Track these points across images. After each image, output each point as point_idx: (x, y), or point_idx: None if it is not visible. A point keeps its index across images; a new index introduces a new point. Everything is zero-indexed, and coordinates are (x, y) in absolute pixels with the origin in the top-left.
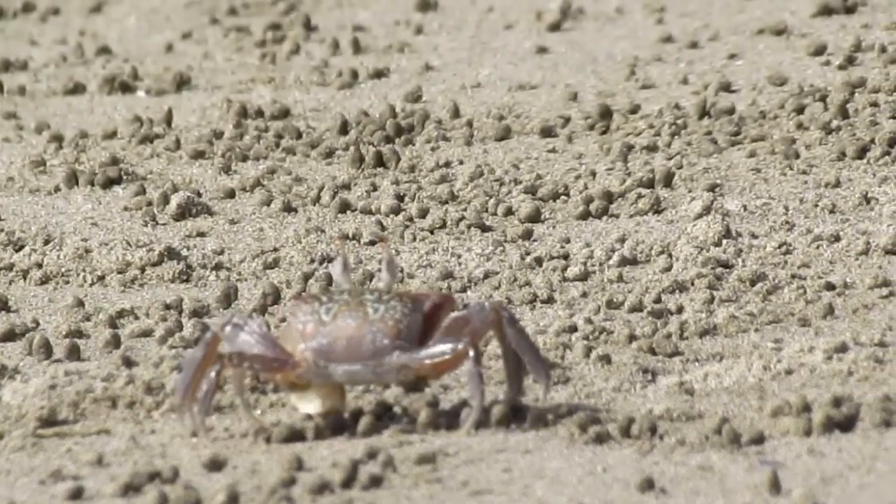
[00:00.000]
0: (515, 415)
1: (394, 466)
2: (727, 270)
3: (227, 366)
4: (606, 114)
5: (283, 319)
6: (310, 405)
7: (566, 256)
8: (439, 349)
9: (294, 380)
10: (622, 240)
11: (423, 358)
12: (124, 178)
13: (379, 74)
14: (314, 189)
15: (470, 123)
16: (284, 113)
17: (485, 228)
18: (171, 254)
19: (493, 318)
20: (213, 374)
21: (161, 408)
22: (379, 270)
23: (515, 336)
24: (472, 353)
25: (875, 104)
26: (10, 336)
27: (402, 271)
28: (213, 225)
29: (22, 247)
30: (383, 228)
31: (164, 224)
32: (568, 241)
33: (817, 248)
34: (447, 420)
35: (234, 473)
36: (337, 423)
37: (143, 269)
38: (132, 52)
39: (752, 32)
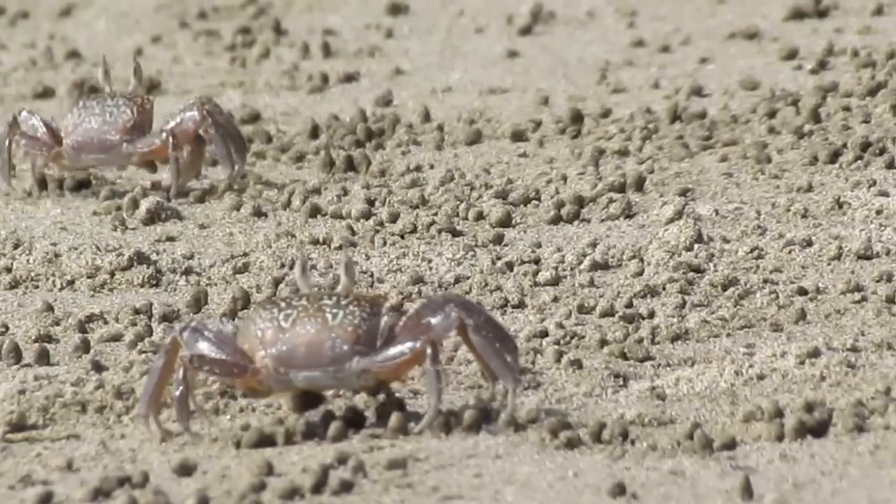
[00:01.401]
0: (485, 418)
1: (364, 471)
2: (699, 275)
3: (187, 368)
4: (577, 118)
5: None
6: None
7: (537, 261)
8: (397, 350)
9: (255, 386)
10: (593, 244)
11: (382, 361)
12: (94, 182)
13: (349, 78)
14: (284, 193)
15: (441, 127)
16: (254, 117)
17: (455, 233)
18: (140, 258)
19: (456, 325)
20: (181, 378)
21: (131, 412)
22: (337, 274)
23: (481, 343)
24: (429, 351)
25: (847, 108)
26: None
27: (360, 274)
28: (183, 230)
29: None
30: (353, 233)
31: (133, 229)
32: (539, 245)
33: (789, 252)
34: (417, 425)
35: (203, 478)
36: (308, 428)
37: (112, 274)
38: (102, 56)
39: (723, 36)
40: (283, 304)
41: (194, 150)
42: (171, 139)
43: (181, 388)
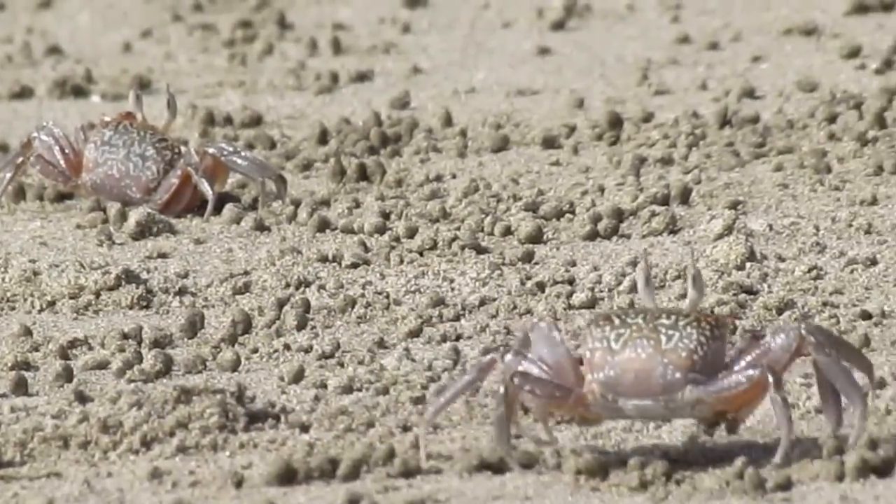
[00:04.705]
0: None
1: None
2: (751, 297)
3: (508, 386)
4: (616, 122)
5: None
6: None
7: (571, 281)
8: (733, 380)
9: (582, 413)
10: (634, 263)
11: (716, 391)
12: (75, 193)
13: (362, 78)
14: (289, 205)
15: (464, 133)
16: (256, 120)
17: (480, 250)
18: (129, 277)
19: (796, 345)
20: (501, 396)
21: (118, 448)
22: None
23: (826, 364)
24: (771, 378)
25: None
26: None
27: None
28: (177, 245)
29: None
30: (367, 249)
31: (121, 244)
32: (573, 264)
33: (851, 272)
34: (437, 463)
35: None
36: (317, 465)
37: (97, 294)
38: (85, 52)
39: (778, 32)
40: (616, 322)
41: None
42: (192, 168)
43: (501, 407)
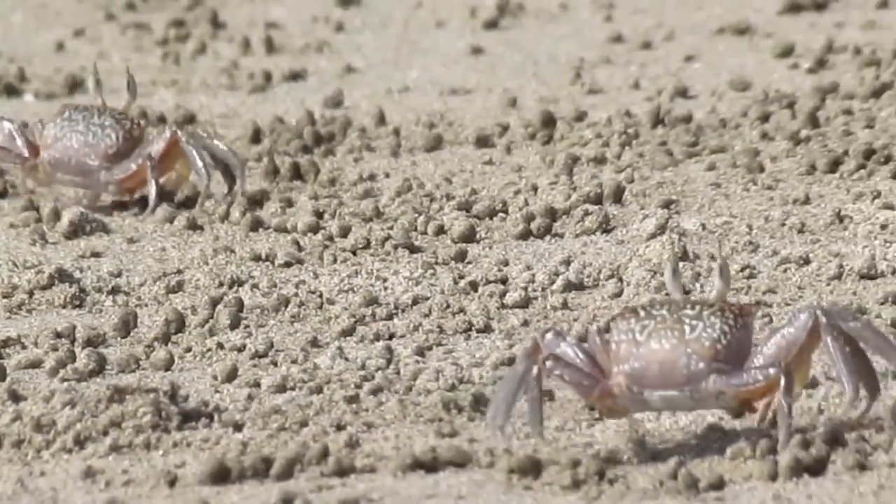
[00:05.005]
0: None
1: None
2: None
3: (541, 368)
4: (549, 121)
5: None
6: None
7: (504, 280)
8: (752, 377)
9: (609, 405)
10: (567, 262)
11: (737, 384)
12: (10, 191)
13: (295, 77)
14: (223, 205)
15: (397, 132)
16: (189, 119)
17: (413, 249)
18: (62, 276)
19: (810, 328)
20: (534, 377)
21: (51, 447)
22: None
23: (858, 331)
24: (783, 382)
25: (849, 112)
26: None
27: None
28: (110, 244)
29: None
30: (300, 249)
31: (54, 243)
32: (506, 263)
33: (785, 271)
34: (371, 462)
35: None
36: (251, 465)
37: (31, 293)
38: (18, 51)
39: (711, 32)
40: (642, 314)
41: (179, 170)
42: (148, 162)
43: (535, 389)
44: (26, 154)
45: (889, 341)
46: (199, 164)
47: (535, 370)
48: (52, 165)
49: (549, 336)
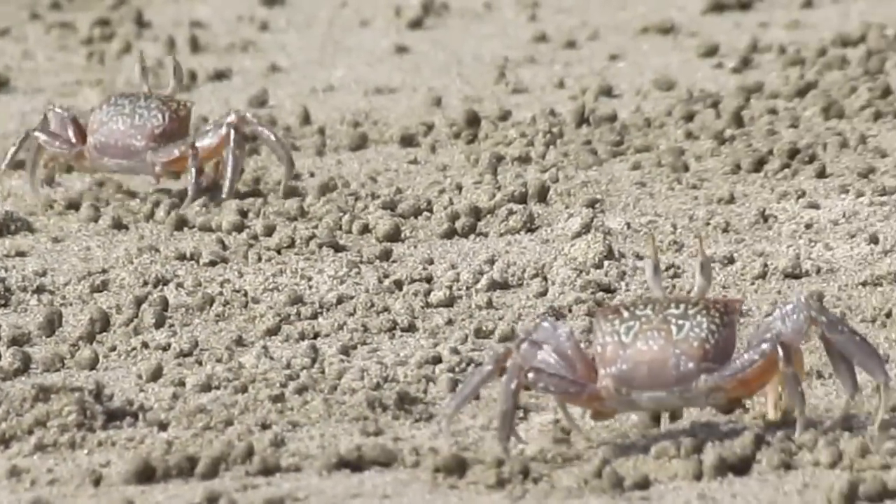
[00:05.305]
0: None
1: None
2: (609, 295)
3: (521, 383)
4: (474, 121)
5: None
6: None
7: (429, 279)
8: (746, 359)
9: (597, 408)
10: (491, 261)
11: (731, 375)
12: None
13: (220, 76)
14: (147, 204)
15: (322, 131)
16: None
17: (338, 248)
18: None
19: (808, 324)
20: (511, 390)
21: None
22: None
23: (840, 340)
24: (781, 353)
25: (773, 111)
26: None
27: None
28: (35, 243)
29: None
30: (225, 248)
31: None
32: (431, 262)
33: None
34: (296, 461)
35: None
36: (175, 464)
37: None
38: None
39: (635, 31)
40: (625, 315)
41: (221, 161)
42: (192, 152)
43: (509, 402)
44: (73, 140)
45: (874, 352)
46: (233, 172)
47: (513, 384)
48: (99, 150)
49: (524, 346)
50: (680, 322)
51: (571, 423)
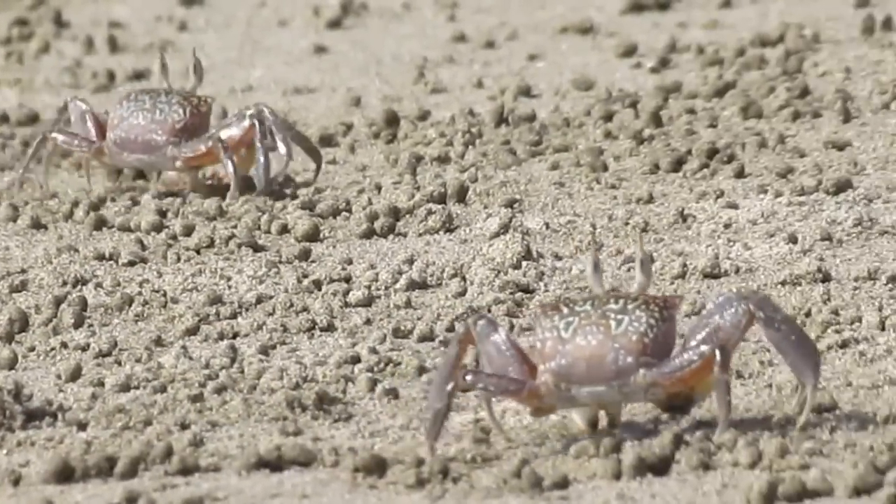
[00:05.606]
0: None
1: None
2: (528, 295)
3: (458, 385)
4: (393, 121)
5: (529, 328)
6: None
7: (348, 279)
8: (685, 358)
9: (537, 404)
10: (410, 261)
11: (669, 372)
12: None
13: (139, 76)
14: (66, 203)
15: None
16: (33, 119)
17: (257, 248)
18: None
19: (746, 319)
20: (448, 391)
21: None
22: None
23: (774, 337)
24: (719, 357)
25: (692, 111)
26: None
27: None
28: None
29: None
30: (144, 248)
31: None
32: (350, 262)
33: (628, 270)
34: (215, 461)
35: None
36: (95, 464)
37: None
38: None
39: (554, 31)
40: (565, 310)
41: (246, 155)
42: (220, 146)
43: (444, 402)
44: (94, 136)
45: (810, 344)
46: (283, 147)
47: (450, 385)
48: (119, 145)
49: (481, 324)
50: (619, 317)
51: (494, 423)
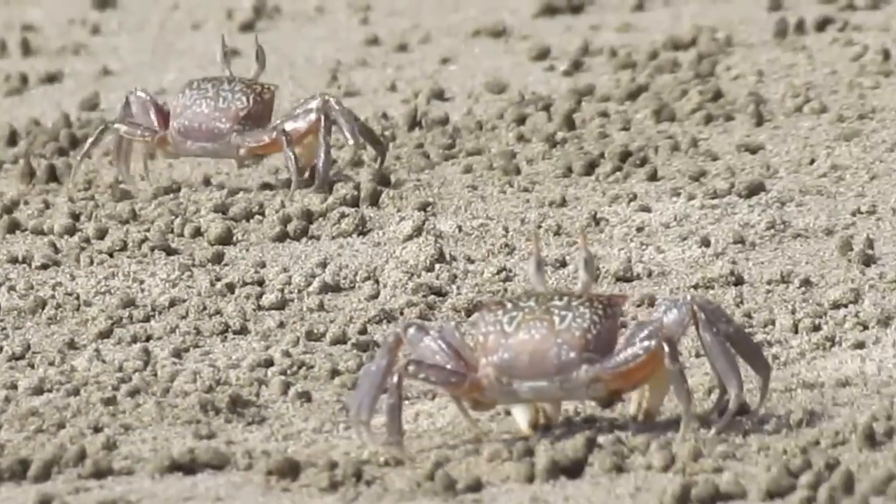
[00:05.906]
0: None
1: None
2: (440, 298)
3: (402, 375)
4: None
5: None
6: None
7: (261, 282)
8: (630, 353)
9: (477, 398)
10: (323, 264)
11: (613, 367)
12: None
13: (51, 79)
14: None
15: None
16: None
17: (170, 251)
18: None
19: (689, 319)
20: (395, 385)
21: None
22: (575, 269)
23: (710, 342)
24: (667, 348)
25: (605, 114)
26: None
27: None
28: None
29: None
30: (57, 251)
31: None
32: (263, 265)
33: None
34: (128, 464)
35: None
36: (8, 467)
37: None
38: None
39: (467, 34)
40: (509, 306)
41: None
42: (284, 138)
43: (394, 397)
44: (156, 126)
45: (757, 348)
46: (349, 137)
47: (395, 377)
48: (182, 134)
49: (411, 331)
50: (563, 313)
51: (467, 419)
